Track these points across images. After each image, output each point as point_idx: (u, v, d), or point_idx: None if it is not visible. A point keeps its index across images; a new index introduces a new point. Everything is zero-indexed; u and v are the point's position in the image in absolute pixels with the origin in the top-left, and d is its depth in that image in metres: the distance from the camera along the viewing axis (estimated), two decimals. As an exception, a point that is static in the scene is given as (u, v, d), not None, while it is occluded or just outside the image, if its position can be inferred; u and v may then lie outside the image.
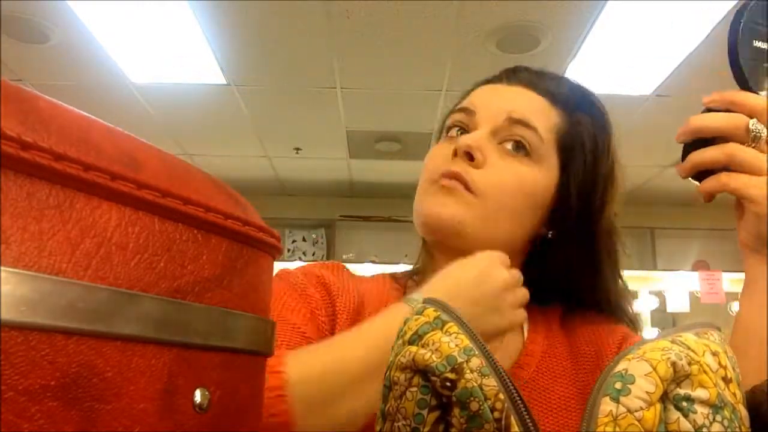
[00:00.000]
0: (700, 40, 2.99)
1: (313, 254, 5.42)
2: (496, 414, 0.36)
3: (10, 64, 3.33)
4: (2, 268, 0.23)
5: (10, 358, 0.23)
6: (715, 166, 0.64)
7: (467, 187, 0.70)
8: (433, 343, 0.39)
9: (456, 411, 0.37)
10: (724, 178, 0.62)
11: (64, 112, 0.27)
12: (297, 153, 4.59)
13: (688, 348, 0.37)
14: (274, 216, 4.96)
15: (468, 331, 0.40)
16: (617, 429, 0.34)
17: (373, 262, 4.74)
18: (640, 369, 0.36)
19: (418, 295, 0.63)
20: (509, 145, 0.73)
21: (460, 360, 0.37)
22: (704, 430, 0.35)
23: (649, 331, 4.28)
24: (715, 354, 0.38)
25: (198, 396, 0.30)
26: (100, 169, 0.27)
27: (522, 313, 0.68)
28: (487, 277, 0.65)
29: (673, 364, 0.36)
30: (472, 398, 0.36)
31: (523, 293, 0.68)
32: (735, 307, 4.31)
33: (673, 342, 0.38)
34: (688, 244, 5.61)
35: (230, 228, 0.32)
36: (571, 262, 0.77)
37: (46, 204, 0.25)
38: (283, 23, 2.95)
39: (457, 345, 0.38)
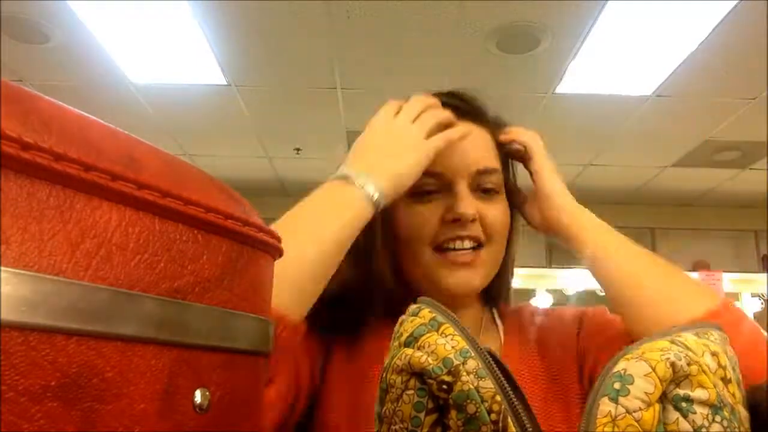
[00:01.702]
0: (700, 40, 2.99)
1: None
2: (493, 416, 0.36)
3: (10, 65, 3.33)
4: (3, 268, 0.23)
5: (11, 358, 0.23)
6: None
7: (479, 242, 0.78)
8: (428, 345, 0.38)
9: (453, 413, 0.36)
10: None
11: (65, 113, 0.27)
12: (297, 153, 4.59)
13: (687, 348, 0.37)
14: (274, 216, 4.91)
15: (463, 333, 0.39)
16: (616, 429, 0.34)
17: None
18: (639, 369, 0.36)
19: (347, 169, 0.73)
20: (483, 191, 0.80)
21: (456, 362, 0.37)
22: (703, 430, 0.35)
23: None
24: (714, 354, 0.37)
25: (198, 396, 0.30)
26: (100, 169, 0.27)
27: (437, 138, 0.76)
28: (384, 128, 0.77)
29: (672, 364, 0.36)
30: (468, 401, 0.36)
31: (432, 115, 0.78)
32: (735, 307, 4.33)
33: (672, 342, 0.38)
34: (689, 244, 5.61)
35: (230, 228, 0.32)
36: (508, 260, 0.86)
37: (46, 204, 0.25)
38: (283, 23, 2.95)
39: (453, 347, 0.38)
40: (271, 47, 3.17)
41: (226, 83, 3.54)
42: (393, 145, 0.75)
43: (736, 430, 0.36)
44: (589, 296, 4.53)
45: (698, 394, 0.36)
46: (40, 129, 0.25)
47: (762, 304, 4.52)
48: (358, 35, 3.04)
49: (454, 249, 0.77)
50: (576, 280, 4.34)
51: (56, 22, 2.94)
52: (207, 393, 0.30)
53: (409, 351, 0.39)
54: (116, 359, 0.26)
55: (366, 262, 0.79)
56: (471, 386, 0.36)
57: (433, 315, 0.41)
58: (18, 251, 0.24)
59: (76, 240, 0.26)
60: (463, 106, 0.85)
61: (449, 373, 0.37)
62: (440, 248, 0.78)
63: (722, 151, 4.40)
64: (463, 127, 0.80)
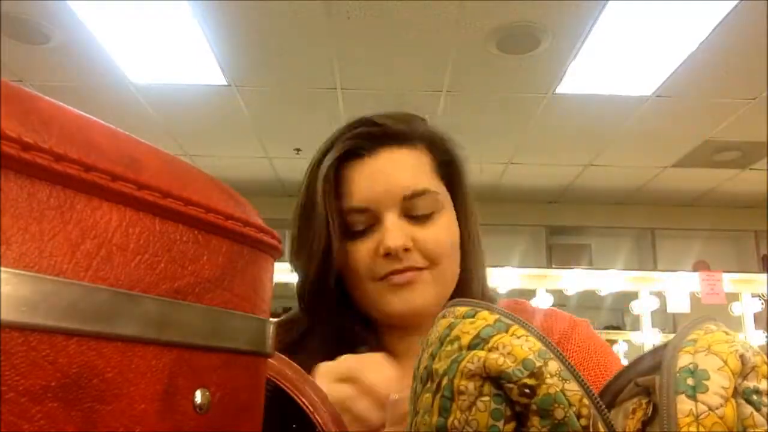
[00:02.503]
0: (700, 40, 2.99)
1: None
2: (583, 421, 0.33)
3: (11, 65, 3.34)
4: (3, 268, 0.23)
5: (11, 358, 0.23)
6: None
7: (419, 268, 0.76)
8: (504, 347, 0.34)
9: (535, 420, 0.33)
10: None
11: (65, 113, 0.27)
12: (297, 153, 4.59)
13: (741, 340, 0.35)
14: (275, 217, 4.92)
15: (537, 334, 0.36)
16: (701, 429, 0.31)
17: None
18: (712, 363, 0.33)
19: None
20: (416, 217, 0.78)
21: (538, 364, 0.33)
22: None
23: (649, 332, 4.28)
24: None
25: (198, 397, 0.30)
26: (100, 169, 0.27)
27: None
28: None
29: (741, 356, 0.34)
30: (556, 405, 0.33)
31: (359, 410, 0.65)
32: (736, 307, 4.32)
33: (727, 333, 0.36)
34: (689, 245, 5.61)
35: (231, 229, 0.32)
36: (471, 275, 0.83)
37: (46, 205, 0.25)
38: (283, 24, 2.95)
39: (530, 348, 0.34)
40: (271, 47, 3.17)
41: (226, 83, 3.54)
42: None
43: None
44: (589, 296, 4.53)
45: (765, 385, 0.34)
46: (41, 129, 0.25)
47: (762, 304, 4.51)
48: (358, 35, 3.04)
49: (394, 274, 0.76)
50: (576, 281, 4.34)
51: (56, 22, 2.94)
52: (207, 393, 0.30)
53: (481, 353, 0.35)
54: (116, 359, 0.26)
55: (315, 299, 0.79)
56: (557, 389, 0.33)
57: (497, 316, 0.37)
58: (18, 251, 0.24)
59: (77, 240, 0.26)
60: (382, 131, 0.80)
61: (531, 375, 0.33)
62: (380, 280, 0.77)
63: (722, 152, 4.40)
64: (382, 157, 0.78)
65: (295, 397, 0.46)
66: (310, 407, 0.46)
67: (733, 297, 4.29)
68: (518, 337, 0.35)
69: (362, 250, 0.77)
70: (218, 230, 0.32)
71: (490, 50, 3.13)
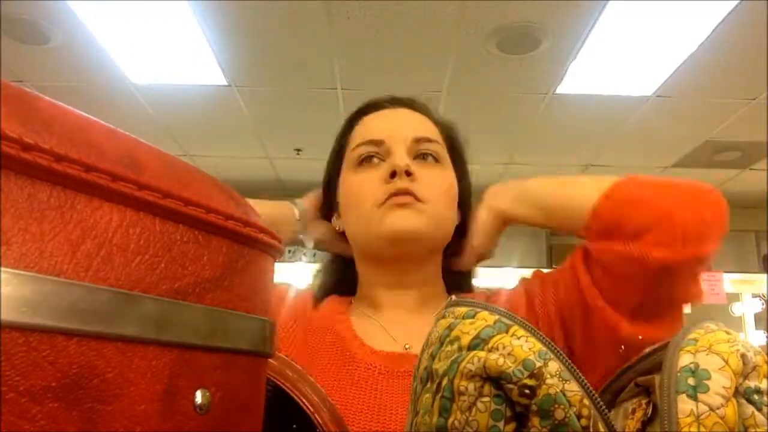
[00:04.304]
0: (700, 40, 2.99)
1: (314, 255, 5.42)
2: (584, 421, 0.33)
3: (11, 66, 3.34)
4: (3, 269, 0.23)
5: (11, 359, 0.23)
6: None
7: (417, 198, 0.81)
8: (504, 347, 0.34)
9: (535, 421, 0.33)
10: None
11: (65, 113, 0.27)
12: (298, 154, 4.59)
13: (743, 339, 0.36)
14: (275, 216, 4.95)
15: (537, 334, 0.36)
16: (702, 429, 0.31)
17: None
18: (713, 363, 0.34)
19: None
20: (423, 158, 0.86)
21: (538, 364, 0.34)
22: None
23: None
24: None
25: (199, 397, 0.30)
26: (101, 170, 0.27)
27: None
28: None
29: (743, 356, 0.34)
30: (556, 405, 0.33)
31: None
32: (736, 307, 4.32)
33: (727, 332, 0.36)
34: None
35: (231, 229, 0.32)
36: (461, 241, 0.91)
37: (47, 205, 0.25)
38: (283, 24, 2.95)
39: (530, 348, 0.34)
40: (271, 47, 3.17)
41: (226, 83, 3.54)
42: None
43: None
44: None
45: (765, 385, 0.34)
46: (41, 130, 0.25)
47: (762, 304, 4.51)
48: (358, 35, 3.04)
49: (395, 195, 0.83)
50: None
51: (57, 22, 2.94)
52: (207, 393, 0.30)
53: (481, 354, 0.34)
54: (117, 360, 0.26)
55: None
56: (557, 389, 0.33)
57: (497, 317, 0.37)
58: (19, 252, 0.24)
59: (77, 241, 0.26)
60: (400, 99, 0.93)
61: (531, 376, 0.33)
62: (381, 204, 0.82)
63: (723, 152, 4.40)
64: (400, 110, 0.91)
65: (295, 398, 0.46)
66: (310, 407, 0.46)
67: (734, 297, 4.29)
68: (518, 338, 0.35)
69: (370, 177, 0.84)
70: (218, 230, 0.32)
71: (490, 50, 3.13)
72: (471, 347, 0.35)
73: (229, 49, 3.19)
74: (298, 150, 4.53)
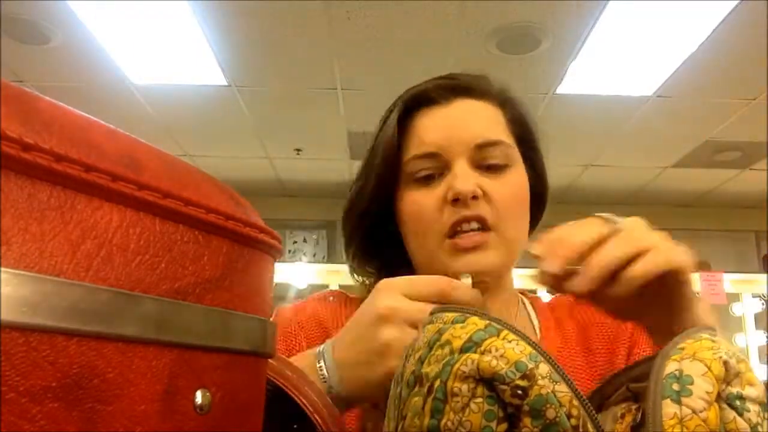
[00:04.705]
0: (700, 40, 2.99)
1: (314, 255, 5.42)
2: (573, 421, 0.34)
3: (11, 66, 3.34)
4: (3, 269, 0.23)
5: (12, 359, 0.23)
6: (624, 259, 0.53)
7: (486, 226, 0.72)
8: (496, 350, 0.35)
9: (527, 421, 0.34)
10: (651, 257, 0.53)
11: (65, 113, 0.27)
12: (298, 154, 4.59)
13: (728, 347, 0.37)
14: (275, 217, 4.96)
15: (526, 338, 0.37)
16: (685, 431, 0.33)
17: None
18: (696, 369, 0.35)
19: (326, 347, 0.60)
20: (488, 167, 0.74)
21: (530, 366, 0.34)
22: (759, 428, 0.34)
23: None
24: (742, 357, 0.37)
25: (199, 397, 0.30)
26: (101, 170, 0.27)
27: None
28: (363, 311, 0.59)
29: (725, 363, 0.36)
30: (548, 405, 0.34)
31: (409, 334, 0.55)
32: (736, 308, 4.31)
33: (713, 341, 0.37)
34: (690, 245, 5.59)
35: (231, 229, 0.32)
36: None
37: (47, 205, 0.25)
38: (284, 24, 2.95)
39: (521, 351, 0.35)
40: (271, 47, 3.17)
41: (226, 84, 3.54)
42: (370, 346, 0.57)
43: None
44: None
45: (749, 391, 0.35)
46: (41, 130, 0.25)
47: (762, 304, 4.51)
48: (358, 35, 3.04)
49: (462, 232, 0.72)
50: (577, 281, 4.32)
51: (57, 22, 2.94)
52: (207, 394, 0.30)
53: (474, 356, 0.35)
54: (117, 360, 0.26)
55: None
56: (548, 390, 0.34)
57: (487, 321, 0.38)
58: (19, 252, 0.24)
59: (77, 241, 0.26)
60: (454, 83, 0.79)
61: (524, 377, 0.34)
62: (447, 235, 0.72)
63: (723, 152, 4.40)
64: (456, 104, 0.76)
65: (296, 398, 0.46)
66: (310, 407, 0.46)
67: (734, 297, 4.29)
68: (509, 341, 0.36)
69: (428, 198, 0.73)
70: (219, 230, 0.32)
71: (490, 50, 3.13)
72: (463, 350, 0.36)
73: (229, 49, 3.19)
74: (298, 150, 4.53)
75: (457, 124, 0.75)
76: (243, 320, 0.33)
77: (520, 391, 0.34)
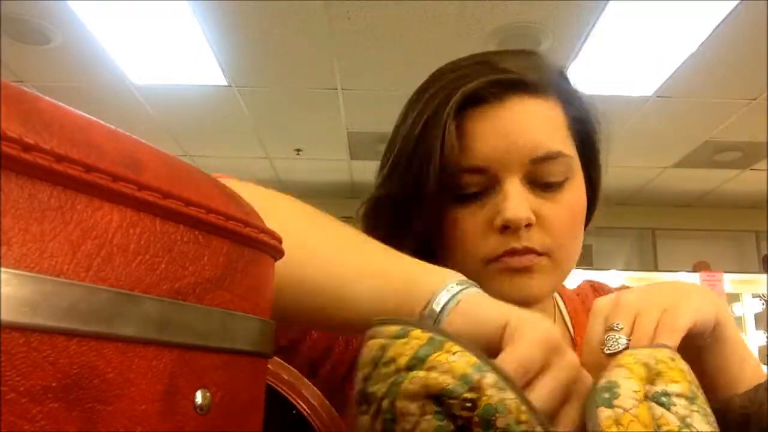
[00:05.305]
0: (700, 40, 2.99)
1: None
2: (523, 426, 0.34)
3: (11, 66, 3.34)
4: (3, 269, 0.23)
5: (12, 359, 0.23)
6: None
7: (539, 253, 0.64)
8: (441, 365, 0.35)
9: (477, 431, 0.34)
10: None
11: (66, 114, 0.27)
12: (298, 154, 4.59)
13: (650, 352, 0.41)
14: (275, 217, 4.95)
15: (469, 346, 0.37)
16: (621, 428, 0.35)
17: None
18: (620, 374, 0.38)
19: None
20: (543, 188, 0.65)
21: (476, 377, 0.35)
22: (688, 420, 0.36)
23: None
24: (673, 359, 0.40)
25: (199, 397, 0.30)
26: (101, 170, 0.27)
27: None
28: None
29: (645, 364, 0.39)
30: (497, 414, 0.34)
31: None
32: (736, 308, 4.32)
33: (635, 350, 0.41)
34: (689, 245, 5.61)
35: (231, 229, 0.32)
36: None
37: (47, 205, 0.25)
38: (283, 24, 2.95)
39: (466, 362, 0.36)
40: (271, 47, 3.17)
41: (226, 84, 3.54)
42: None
43: (712, 417, 0.38)
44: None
45: (673, 388, 0.38)
46: (42, 130, 0.25)
47: (762, 304, 4.51)
48: (358, 35, 3.04)
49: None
50: (576, 281, 4.34)
51: (57, 23, 2.94)
52: (208, 394, 0.30)
53: (420, 374, 0.35)
54: (117, 360, 0.26)
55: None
56: (496, 399, 0.34)
57: (429, 334, 0.37)
58: (19, 252, 0.24)
59: (77, 241, 0.26)
60: (511, 79, 0.65)
61: (472, 389, 0.34)
62: (491, 261, 0.63)
63: (723, 152, 4.40)
64: (511, 106, 0.63)
65: (293, 401, 0.46)
66: (307, 410, 0.46)
67: (734, 297, 4.29)
68: (453, 354, 0.36)
69: (472, 220, 0.63)
70: (219, 231, 0.32)
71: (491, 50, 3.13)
72: (409, 368, 0.36)
73: (229, 49, 3.19)
74: (298, 150, 4.53)
75: (510, 133, 0.63)
76: (243, 320, 0.33)
77: (468, 404, 0.34)
